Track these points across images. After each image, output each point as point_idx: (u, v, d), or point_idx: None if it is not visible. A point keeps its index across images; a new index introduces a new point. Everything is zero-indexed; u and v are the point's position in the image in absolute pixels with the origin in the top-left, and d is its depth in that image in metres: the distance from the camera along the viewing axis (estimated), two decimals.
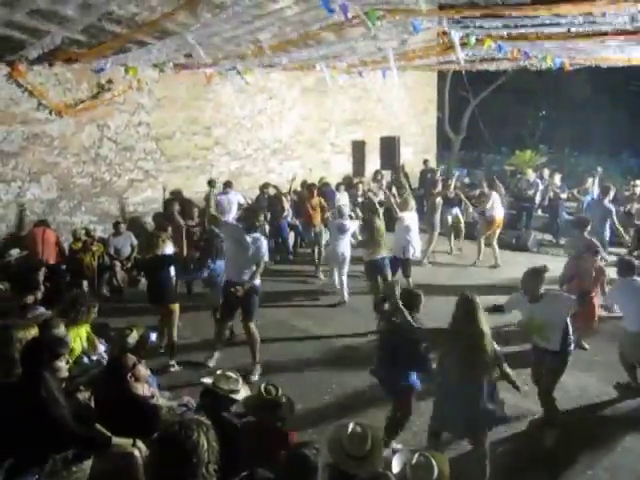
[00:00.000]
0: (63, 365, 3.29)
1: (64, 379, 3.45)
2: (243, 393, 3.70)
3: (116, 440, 3.14)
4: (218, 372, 3.81)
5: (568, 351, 4.77)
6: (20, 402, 2.97)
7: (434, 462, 2.78)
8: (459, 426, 4.05)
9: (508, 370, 4.12)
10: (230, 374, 3.75)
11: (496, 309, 5.07)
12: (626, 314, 5.71)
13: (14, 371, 3.28)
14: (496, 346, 3.99)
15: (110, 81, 9.15)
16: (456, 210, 11.26)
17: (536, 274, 4.71)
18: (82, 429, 3.04)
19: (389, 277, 7.68)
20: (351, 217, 8.99)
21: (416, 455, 2.85)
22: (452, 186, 11.07)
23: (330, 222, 8.93)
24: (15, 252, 8.12)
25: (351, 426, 2.99)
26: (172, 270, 6.34)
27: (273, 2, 6.19)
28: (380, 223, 7.87)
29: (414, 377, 4.45)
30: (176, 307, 6.32)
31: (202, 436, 2.04)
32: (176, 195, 10.22)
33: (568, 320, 4.72)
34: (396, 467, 2.84)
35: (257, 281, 6.14)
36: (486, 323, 3.92)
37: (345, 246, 8.41)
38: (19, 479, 2.85)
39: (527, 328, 4.84)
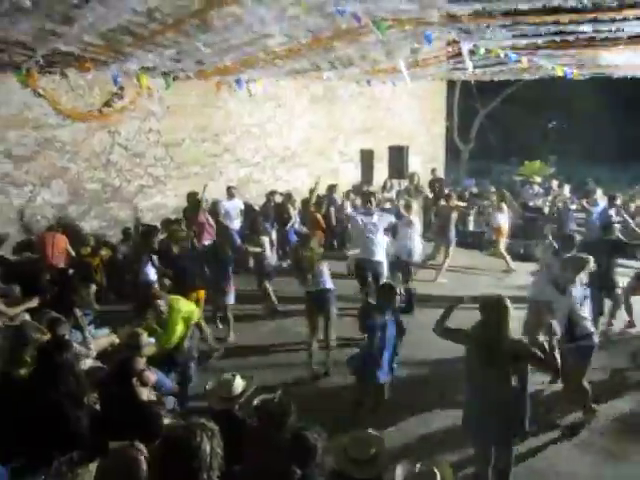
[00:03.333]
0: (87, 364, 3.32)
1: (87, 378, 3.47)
2: (239, 384, 3.75)
3: (116, 444, 3.16)
4: (209, 384, 3.85)
5: None
6: (33, 401, 3.00)
7: (437, 472, 2.77)
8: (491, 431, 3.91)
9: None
10: (227, 378, 3.78)
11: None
12: None
13: (25, 372, 3.31)
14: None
15: (121, 88, 9.23)
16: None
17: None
18: (88, 431, 3.06)
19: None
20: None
21: (418, 465, 2.84)
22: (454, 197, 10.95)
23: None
24: (26, 255, 8.18)
25: (356, 433, 3.00)
26: None
27: (283, 10, 6.24)
28: None
29: None
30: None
31: (206, 441, 2.03)
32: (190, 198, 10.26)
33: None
34: (399, 477, 2.83)
35: None
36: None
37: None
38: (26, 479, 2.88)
39: None
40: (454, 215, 10.15)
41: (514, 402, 3.78)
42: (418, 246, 8.70)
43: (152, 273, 7.49)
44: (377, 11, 5.26)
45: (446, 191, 12.06)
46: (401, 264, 8.30)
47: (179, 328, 5.47)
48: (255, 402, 3.32)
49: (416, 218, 8.76)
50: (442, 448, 4.84)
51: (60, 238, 8.33)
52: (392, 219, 8.28)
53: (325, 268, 6.55)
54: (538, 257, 11.18)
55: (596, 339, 5.13)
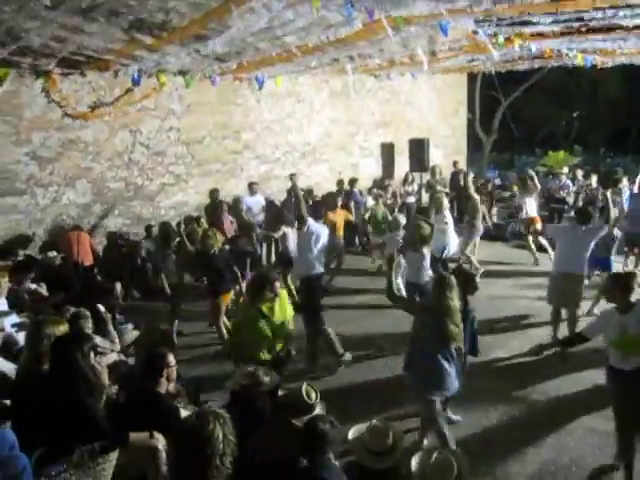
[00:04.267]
0: (96, 358, 3.40)
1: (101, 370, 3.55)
2: (266, 380, 3.76)
3: (135, 435, 3.22)
4: (237, 371, 3.87)
5: None
6: (52, 394, 3.09)
7: (454, 460, 2.78)
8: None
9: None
10: (249, 368, 3.81)
11: (580, 339, 4.61)
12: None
13: (43, 366, 3.41)
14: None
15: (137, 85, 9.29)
16: None
17: (623, 280, 4.16)
18: (107, 422, 3.13)
19: None
20: None
21: (435, 454, 2.85)
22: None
23: (389, 237, 8.87)
24: (53, 254, 8.36)
25: (373, 422, 3.01)
26: None
27: (301, 6, 6.25)
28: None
29: None
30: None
31: (218, 427, 2.07)
32: (213, 195, 10.37)
33: None
34: (415, 466, 2.84)
35: None
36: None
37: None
38: (47, 469, 2.97)
39: (620, 345, 4.01)
40: (482, 206, 10.04)
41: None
42: (454, 241, 8.57)
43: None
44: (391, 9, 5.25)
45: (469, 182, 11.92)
46: (437, 262, 8.06)
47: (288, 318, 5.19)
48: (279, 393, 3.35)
49: (447, 213, 8.64)
50: None
51: (85, 237, 8.50)
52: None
53: None
54: None
55: None
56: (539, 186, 10.76)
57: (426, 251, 6.76)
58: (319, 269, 6.39)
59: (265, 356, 4.84)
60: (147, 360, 3.93)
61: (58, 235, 8.70)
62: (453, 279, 4.30)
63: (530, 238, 10.43)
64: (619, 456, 4.07)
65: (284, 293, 5.27)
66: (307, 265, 6.32)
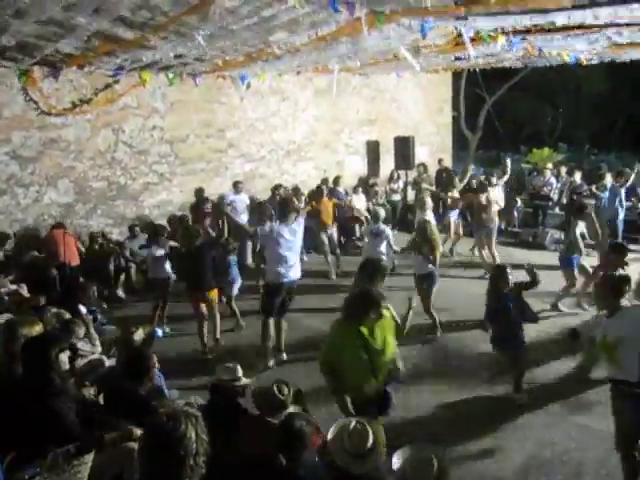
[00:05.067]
0: (65, 359, 3.36)
1: (68, 373, 3.50)
2: (244, 380, 3.76)
3: (111, 437, 3.19)
4: (218, 367, 3.86)
5: None
6: (23, 397, 3.04)
7: (434, 457, 2.77)
8: None
9: None
10: (228, 365, 3.80)
11: (573, 335, 4.57)
12: None
13: (17, 367, 3.36)
14: None
15: (116, 82, 9.18)
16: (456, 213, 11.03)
17: (615, 282, 4.11)
18: (79, 427, 3.10)
19: None
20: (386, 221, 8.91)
21: (415, 451, 2.83)
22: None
23: (365, 227, 8.95)
24: (34, 254, 8.25)
25: (352, 423, 2.99)
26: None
27: (282, 3, 6.22)
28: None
29: None
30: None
31: (190, 427, 2.04)
32: (198, 194, 10.44)
33: None
34: (396, 464, 2.82)
35: None
36: None
37: (382, 250, 8.16)
38: (21, 472, 2.92)
39: (599, 349, 4.01)
40: (494, 207, 9.58)
41: None
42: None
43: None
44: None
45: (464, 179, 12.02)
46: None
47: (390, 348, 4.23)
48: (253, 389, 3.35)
49: (430, 212, 8.62)
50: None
51: (70, 237, 8.41)
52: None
53: None
54: (546, 245, 11.19)
55: None
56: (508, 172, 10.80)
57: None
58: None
59: (369, 390, 4.02)
60: (131, 360, 3.89)
61: (35, 236, 8.57)
62: None
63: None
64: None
65: (389, 317, 4.30)
66: None
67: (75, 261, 8.24)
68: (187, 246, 6.83)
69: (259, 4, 5.54)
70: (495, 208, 9.62)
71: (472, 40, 7.14)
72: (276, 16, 6.16)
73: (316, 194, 10.66)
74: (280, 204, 7.03)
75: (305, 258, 10.98)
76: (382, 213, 8.58)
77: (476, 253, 10.18)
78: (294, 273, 6.37)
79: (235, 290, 7.69)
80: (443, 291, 7.47)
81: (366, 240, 8.58)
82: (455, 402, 5.51)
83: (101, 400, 3.91)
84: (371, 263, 5.27)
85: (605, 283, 4.18)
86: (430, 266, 7.00)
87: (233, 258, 7.81)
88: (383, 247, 8.10)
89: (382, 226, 8.27)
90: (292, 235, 6.31)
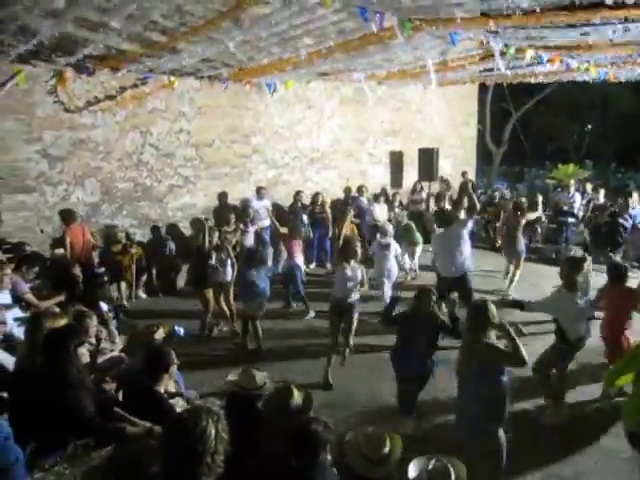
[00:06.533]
0: (85, 352, 3.40)
1: (88, 367, 3.54)
2: (268, 385, 3.71)
3: (132, 429, 3.21)
4: (241, 370, 3.82)
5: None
6: (42, 388, 3.09)
7: (451, 468, 2.74)
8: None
9: None
10: (253, 371, 3.76)
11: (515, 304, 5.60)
12: None
13: (40, 358, 3.41)
14: None
15: (144, 83, 9.33)
16: None
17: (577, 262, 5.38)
18: (98, 419, 3.12)
19: None
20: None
21: (433, 461, 2.81)
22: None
23: (374, 242, 8.98)
24: (60, 252, 8.38)
25: (370, 429, 2.98)
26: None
27: (312, 12, 6.27)
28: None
29: None
30: None
31: (211, 424, 2.04)
32: (221, 198, 10.61)
33: None
34: (412, 473, 2.81)
35: None
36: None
37: (390, 262, 8.46)
38: (40, 462, 2.97)
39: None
40: (522, 224, 9.42)
41: (489, 400, 3.85)
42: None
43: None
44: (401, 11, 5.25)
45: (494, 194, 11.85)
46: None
47: None
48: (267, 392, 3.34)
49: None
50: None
51: (87, 232, 8.51)
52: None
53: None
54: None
55: None
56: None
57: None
58: None
59: None
60: (151, 358, 3.91)
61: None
62: None
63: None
64: None
65: None
66: None
67: (90, 256, 8.34)
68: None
69: (289, 12, 5.63)
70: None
71: (501, 53, 7.16)
72: (305, 24, 6.24)
73: (340, 215, 10.60)
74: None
75: (312, 266, 10.98)
76: (390, 228, 8.65)
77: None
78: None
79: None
80: None
81: (374, 253, 8.75)
82: None
83: (120, 397, 3.95)
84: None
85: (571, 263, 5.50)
86: None
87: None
88: (392, 260, 8.45)
89: (390, 240, 8.34)
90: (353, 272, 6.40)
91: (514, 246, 9.35)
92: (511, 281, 9.30)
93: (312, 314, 8.43)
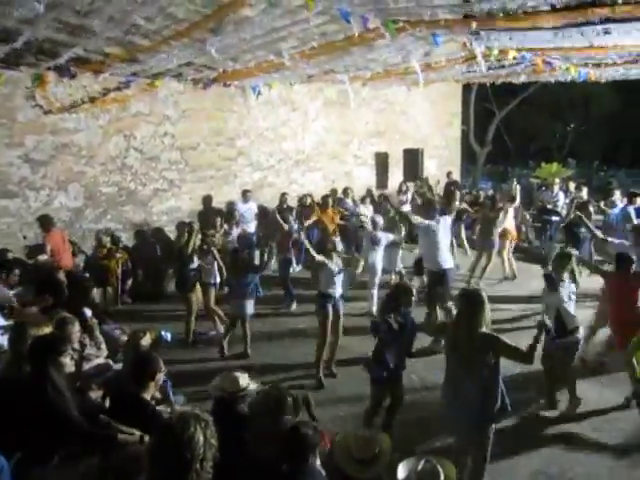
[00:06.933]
0: (67, 361, 3.36)
1: (73, 376, 3.50)
2: (252, 387, 3.66)
3: (123, 436, 3.18)
4: (222, 374, 3.78)
5: None
6: (27, 397, 3.05)
7: (440, 469, 2.75)
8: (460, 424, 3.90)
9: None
10: (235, 374, 3.72)
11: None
12: None
13: (25, 366, 3.36)
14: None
15: (127, 86, 9.22)
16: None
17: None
18: (87, 425, 3.09)
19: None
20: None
21: (422, 461, 2.82)
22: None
23: (364, 233, 8.97)
24: (43, 258, 8.27)
25: (359, 430, 2.98)
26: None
27: (295, 14, 6.27)
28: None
29: None
30: None
31: (199, 431, 2.02)
32: (206, 201, 10.60)
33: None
34: (401, 474, 2.81)
35: None
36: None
37: (377, 258, 8.44)
38: (26, 472, 2.92)
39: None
40: (499, 219, 9.74)
41: (483, 395, 3.73)
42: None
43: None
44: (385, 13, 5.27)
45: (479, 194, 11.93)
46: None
47: None
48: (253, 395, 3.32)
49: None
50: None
51: (66, 237, 8.42)
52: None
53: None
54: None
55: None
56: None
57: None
58: None
59: None
60: (137, 364, 3.87)
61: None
62: None
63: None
64: None
65: None
66: None
67: (69, 262, 8.24)
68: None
69: (272, 15, 5.63)
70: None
71: (484, 55, 7.21)
72: (289, 26, 6.24)
73: (322, 205, 10.79)
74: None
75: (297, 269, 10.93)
76: (380, 220, 8.66)
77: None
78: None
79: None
80: None
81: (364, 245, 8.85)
82: None
83: (107, 404, 3.90)
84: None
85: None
86: None
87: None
88: (381, 253, 8.47)
89: (380, 233, 8.39)
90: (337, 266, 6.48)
91: (487, 238, 9.72)
92: (482, 273, 9.68)
93: (294, 306, 8.82)
